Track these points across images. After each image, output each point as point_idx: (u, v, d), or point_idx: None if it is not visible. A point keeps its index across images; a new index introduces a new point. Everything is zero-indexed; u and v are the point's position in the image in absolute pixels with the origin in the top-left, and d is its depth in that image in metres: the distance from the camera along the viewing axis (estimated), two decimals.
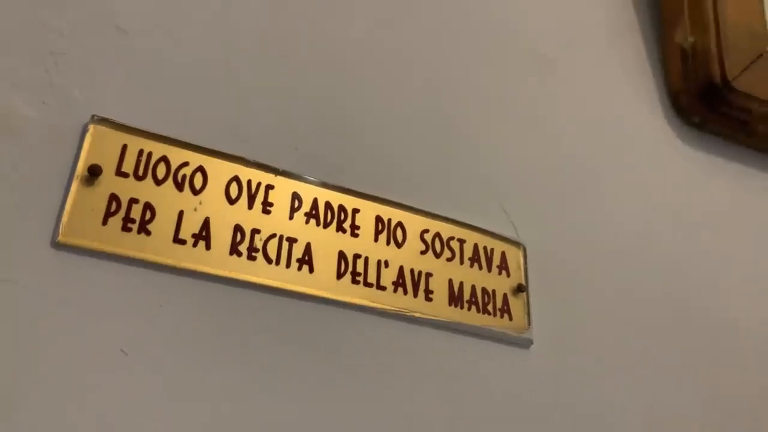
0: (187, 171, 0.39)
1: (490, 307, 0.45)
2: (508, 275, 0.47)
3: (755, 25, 0.67)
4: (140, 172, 0.38)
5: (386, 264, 0.43)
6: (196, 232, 0.38)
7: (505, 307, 0.46)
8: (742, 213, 0.63)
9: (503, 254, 0.47)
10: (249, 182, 0.41)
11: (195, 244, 0.38)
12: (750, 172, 0.66)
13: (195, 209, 0.39)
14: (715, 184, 0.64)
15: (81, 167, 0.37)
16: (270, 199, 0.41)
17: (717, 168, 0.65)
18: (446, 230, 0.46)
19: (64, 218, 0.35)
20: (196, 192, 0.39)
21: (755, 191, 0.65)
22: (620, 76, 0.65)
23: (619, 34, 0.67)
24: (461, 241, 0.46)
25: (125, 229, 0.37)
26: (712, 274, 0.59)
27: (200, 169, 0.40)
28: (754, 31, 0.66)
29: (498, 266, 0.47)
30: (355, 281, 0.41)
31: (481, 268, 0.46)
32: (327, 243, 0.41)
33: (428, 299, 0.43)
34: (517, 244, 0.48)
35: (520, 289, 0.47)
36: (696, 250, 0.59)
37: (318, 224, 0.42)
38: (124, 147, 0.38)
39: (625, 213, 0.57)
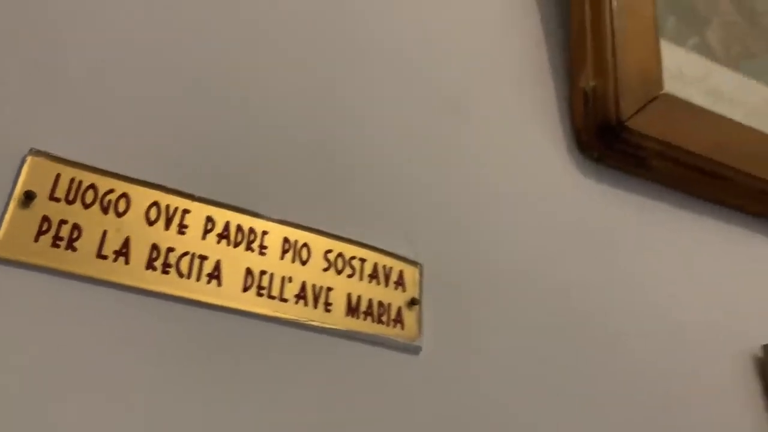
0: (112, 197, 0.46)
1: (384, 318, 0.51)
2: (404, 290, 0.53)
3: (651, 71, 0.75)
4: (71, 198, 0.44)
5: (290, 279, 0.49)
6: (117, 249, 0.44)
7: (399, 318, 0.52)
8: (637, 239, 0.70)
9: (401, 272, 0.54)
10: (167, 207, 0.47)
11: (115, 260, 0.44)
12: (647, 202, 0.73)
13: (117, 230, 0.45)
14: (612, 212, 0.70)
15: (18, 192, 0.43)
16: (186, 222, 0.47)
17: (616, 198, 0.72)
18: (349, 250, 0.52)
19: (1, 235, 0.42)
20: (119, 215, 0.45)
21: (651, 219, 0.72)
22: (529, 115, 0.72)
23: (532, 79, 0.75)
24: (362, 260, 0.53)
25: (54, 245, 0.43)
26: (605, 293, 0.65)
27: (124, 195, 0.46)
28: (649, 76, 0.74)
29: (395, 282, 0.53)
30: (259, 294, 0.47)
31: (379, 283, 0.52)
32: (235, 260, 0.48)
33: (327, 310, 0.49)
34: (414, 263, 0.55)
35: (413, 302, 0.53)
36: (591, 272, 0.65)
37: (228, 244, 0.48)
38: (58, 176, 0.45)
39: (523, 237, 0.64)
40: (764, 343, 0.68)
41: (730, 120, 0.77)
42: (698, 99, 0.79)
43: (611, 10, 0.75)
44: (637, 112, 0.70)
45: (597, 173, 0.72)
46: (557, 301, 0.62)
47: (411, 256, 0.55)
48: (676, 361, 0.66)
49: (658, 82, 0.74)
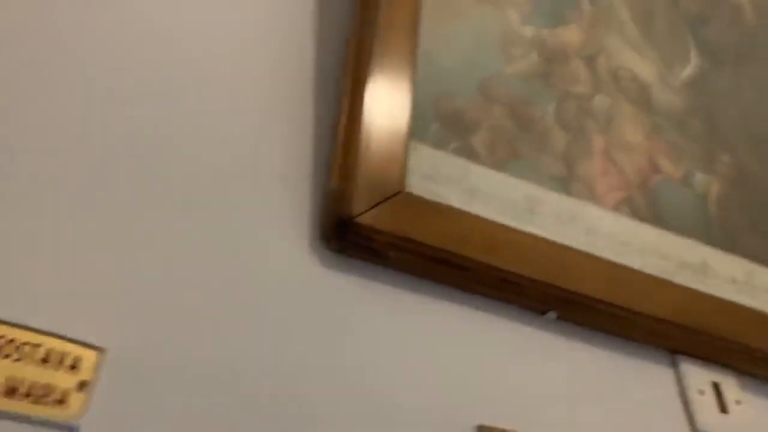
0: None
1: (47, 400, 0.56)
2: (77, 374, 0.58)
3: (393, 172, 0.83)
4: None
5: None
6: None
7: (63, 399, 0.56)
8: (365, 324, 0.75)
9: (79, 357, 0.59)
10: None
11: None
12: (388, 289, 0.79)
13: None
14: (347, 299, 0.76)
15: None
16: None
17: (356, 286, 0.78)
18: (24, 336, 0.58)
19: None
20: None
21: (386, 305, 0.78)
22: (277, 212, 0.78)
23: (288, 179, 0.82)
24: (36, 346, 0.58)
25: None
26: (324, 378, 0.70)
27: None
28: (390, 177, 0.82)
29: (69, 366, 0.58)
30: None
31: (49, 368, 0.57)
32: None
33: None
34: (98, 348, 0.60)
35: (83, 384, 0.57)
36: (310, 359, 0.70)
37: None
38: None
39: (239, 326, 0.69)
40: (477, 424, 0.72)
41: (471, 214, 0.85)
42: (454, 197, 0.87)
43: (363, 120, 0.85)
44: (368, 210, 0.78)
45: (340, 264, 0.79)
46: (264, 389, 0.66)
47: (95, 343, 0.60)
48: None
49: (399, 182, 0.82)
